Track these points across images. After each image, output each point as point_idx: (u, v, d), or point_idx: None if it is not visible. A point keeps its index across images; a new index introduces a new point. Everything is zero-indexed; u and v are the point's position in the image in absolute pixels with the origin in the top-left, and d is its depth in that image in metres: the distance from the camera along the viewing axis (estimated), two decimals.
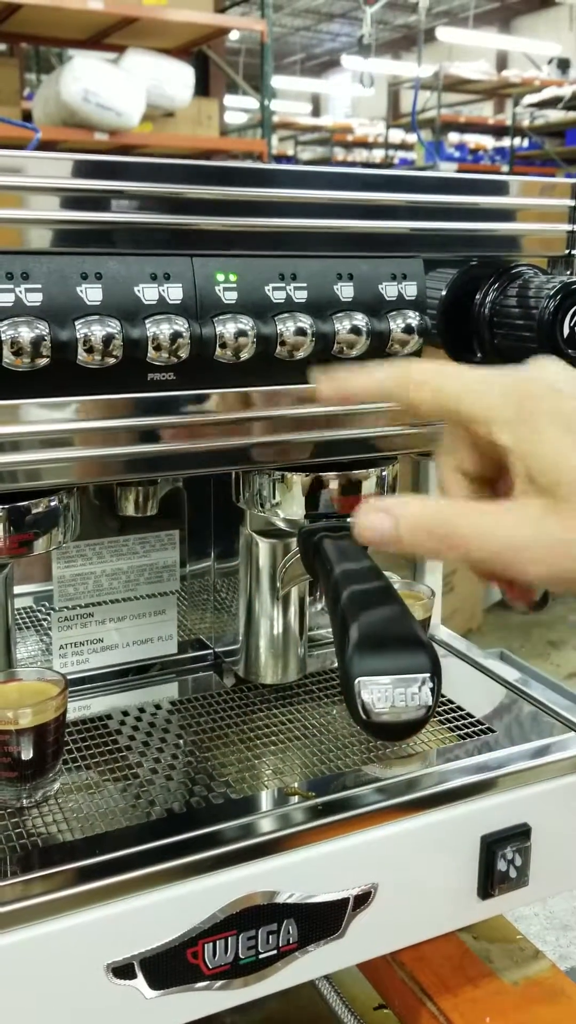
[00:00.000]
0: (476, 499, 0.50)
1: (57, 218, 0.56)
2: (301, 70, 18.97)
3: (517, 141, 8.80)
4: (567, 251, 0.73)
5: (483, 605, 3.53)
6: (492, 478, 0.49)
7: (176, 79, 4.37)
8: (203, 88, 5.08)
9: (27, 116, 4.51)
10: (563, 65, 9.84)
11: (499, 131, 10.35)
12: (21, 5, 3.89)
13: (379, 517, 0.46)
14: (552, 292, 0.64)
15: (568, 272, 0.73)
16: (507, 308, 0.67)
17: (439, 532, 0.45)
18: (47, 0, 3.85)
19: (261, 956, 0.66)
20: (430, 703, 0.50)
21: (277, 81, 13.68)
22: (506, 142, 9.44)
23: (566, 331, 0.64)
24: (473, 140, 10.88)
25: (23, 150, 0.65)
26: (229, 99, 7.61)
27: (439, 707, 0.78)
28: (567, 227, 0.73)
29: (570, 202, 0.73)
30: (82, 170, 0.57)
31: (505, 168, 9.03)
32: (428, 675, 0.50)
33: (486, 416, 0.46)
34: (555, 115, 8.36)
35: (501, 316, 0.67)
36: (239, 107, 10.95)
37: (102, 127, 4.14)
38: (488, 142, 10.84)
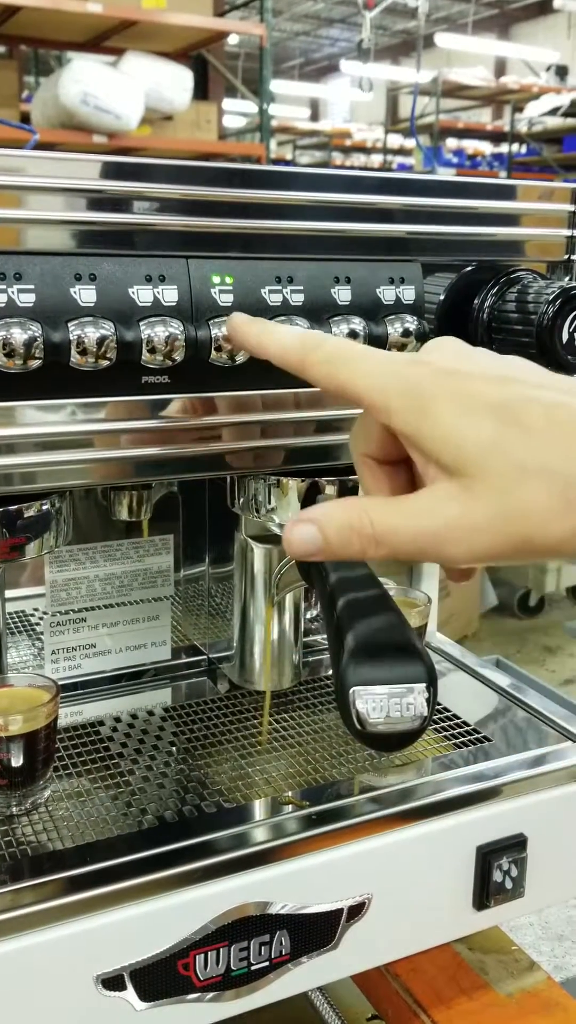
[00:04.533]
0: (396, 490, 0.50)
1: (51, 218, 0.56)
2: (300, 74, 19.02)
3: (515, 147, 8.82)
4: (566, 256, 0.73)
5: (479, 610, 3.53)
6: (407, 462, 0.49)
7: (175, 82, 4.38)
8: (202, 92, 5.09)
9: (25, 118, 4.52)
10: (561, 72, 9.90)
11: (497, 137, 10.38)
12: (20, 7, 3.89)
13: (304, 527, 0.46)
14: (551, 298, 0.63)
15: (567, 277, 0.73)
16: (506, 313, 0.66)
17: (364, 532, 0.45)
18: (46, 2, 3.86)
19: (253, 967, 0.65)
20: (425, 714, 0.49)
21: (276, 85, 13.71)
22: (504, 148, 9.46)
23: (565, 336, 0.63)
24: (471, 146, 10.91)
25: (19, 150, 0.64)
26: (228, 103, 7.62)
27: (434, 715, 0.78)
28: (567, 232, 0.72)
29: (570, 207, 0.72)
30: (78, 171, 0.56)
31: (503, 174, 9.05)
32: (424, 685, 0.49)
33: (383, 403, 0.46)
34: (553, 121, 8.38)
35: (500, 321, 0.67)
36: (238, 111, 10.96)
37: (101, 130, 4.14)
38: (486, 148, 10.87)
